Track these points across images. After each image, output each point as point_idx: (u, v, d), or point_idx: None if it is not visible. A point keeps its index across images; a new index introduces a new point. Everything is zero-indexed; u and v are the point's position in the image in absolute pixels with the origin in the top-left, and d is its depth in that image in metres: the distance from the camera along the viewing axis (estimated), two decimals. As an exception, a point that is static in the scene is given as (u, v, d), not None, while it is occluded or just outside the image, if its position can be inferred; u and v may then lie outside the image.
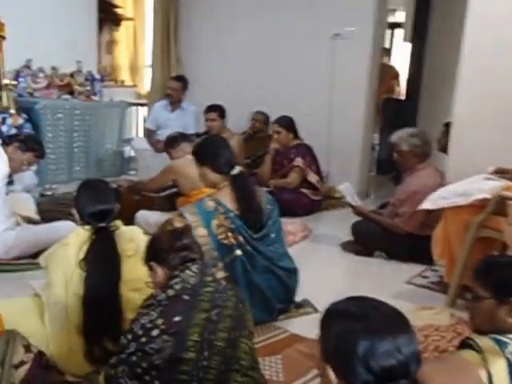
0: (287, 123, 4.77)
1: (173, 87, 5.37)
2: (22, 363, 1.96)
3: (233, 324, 1.73)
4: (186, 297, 1.71)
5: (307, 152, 4.81)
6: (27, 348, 2.01)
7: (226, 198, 2.64)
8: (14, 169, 3.51)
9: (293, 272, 2.82)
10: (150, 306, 1.70)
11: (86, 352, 2.13)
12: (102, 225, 2.21)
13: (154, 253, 1.88)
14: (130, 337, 1.67)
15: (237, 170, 2.69)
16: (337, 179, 5.01)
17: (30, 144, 3.55)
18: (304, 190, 4.74)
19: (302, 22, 5.51)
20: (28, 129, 4.97)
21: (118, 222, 2.31)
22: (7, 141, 3.52)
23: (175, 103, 5.41)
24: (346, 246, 3.94)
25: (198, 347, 1.64)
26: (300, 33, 5.52)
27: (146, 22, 7.02)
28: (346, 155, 5.43)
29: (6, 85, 5.03)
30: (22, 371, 1.94)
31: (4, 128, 4.83)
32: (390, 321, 1.18)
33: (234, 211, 2.61)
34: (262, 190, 2.86)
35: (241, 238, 2.58)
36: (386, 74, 6.81)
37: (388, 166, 5.47)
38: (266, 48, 5.72)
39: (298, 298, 2.94)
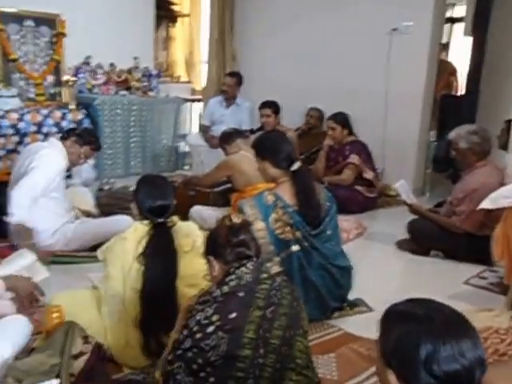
0: (342, 120, 4.71)
1: (228, 83, 5.39)
2: (81, 354, 2.01)
3: (288, 322, 1.71)
4: (241, 294, 1.70)
5: (362, 149, 4.73)
6: (86, 339, 2.06)
7: (286, 192, 2.62)
8: (73, 162, 3.60)
9: (347, 270, 2.78)
10: (205, 303, 1.70)
11: (143, 345, 2.16)
12: (160, 220, 2.24)
13: (212, 247, 1.89)
14: (185, 333, 1.67)
15: (297, 165, 2.66)
16: (392, 176, 4.91)
17: (87, 138, 3.62)
18: (358, 187, 4.67)
19: (359, 17, 5.42)
20: (87, 124, 5.11)
21: (175, 218, 2.33)
22: (65, 135, 3.60)
23: (230, 99, 5.43)
24: (402, 245, 3.87)
25: (254, 345, 1.63)
26: (356, 28, 5.43)
27: (201, 18, 7.06)
28: (402, 152, 5.32)
29: (67, 81, 5.20)
30: (81, 362, 2.00)
31: (64, 123, 4.99)
32: (454, 324, 1.13)
33: (293, 206, 2.59)
34: (320, 187, 2.82)
35: (298, 234, 2.56)
36: (444, 70, 6.62)
37: (445, 164, 5.31)
38: (321, 44, 5.66)
39: (352, 296, 2.91)
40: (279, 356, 1.66)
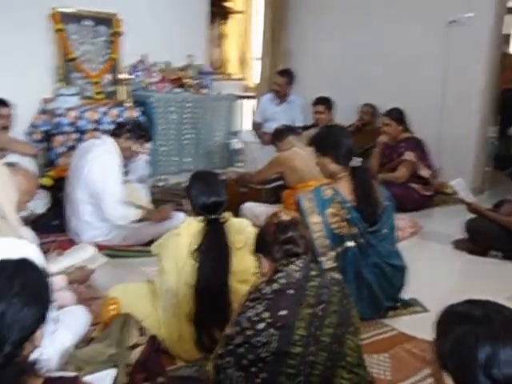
0: (397, 116, 4.62)
1: (278, 82, 5.38)
2: (137, 345, 2.07)
3: (338, 320, 1.71)
4: (291, 291, 1.70)
5: (418, 145, 4.62)
6: (141, 331, 2.12)
7: (344, 188, 2.60)
8: (127, 158, 3.65)
9: (400, 270, 2.73)
10: (255, 300, 1.71)
11: (196, 340, 2.20)
12: (213, 216, 2.26)
13: (260, 244, 1.90)
14: (236, 329, 1.69)
15: (357, 161, 2.64)
16: (449, 174, 4.76)
17: (138, 132, 3.64)
18: (413, 185, 4.57)
19: (415, 9, 5.29)
20: (142, 121, 5.22)
21: (228, 214, 2.34)
22: (116, 132, 3.62)
23: (282, 97, 5.42)
24: (459, 245, 3.77)
25: (305, 342, 1.64)
26: (412, 20, 5.30)
27: (254, 15, 7.08)
28: (460, 149, 5.16)
29: (123, 79, 5.33)
30: (137, 352, 2.05)
31: (121, 120, 5.12)
32: None
33: (351, 202, 2.57)
34: (379, 185, 2.78)
35: (355, 230, 2.54)
36: (507, 64, 6.34)
37: (506, 161, 5.12)
38: (375, 38, 5.57)
39: (407, 296, 2.87)
40: (330, 354, 1.66)
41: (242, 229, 2.34)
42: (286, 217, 1.89)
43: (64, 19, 5.07)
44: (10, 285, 1.20)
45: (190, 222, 2.29)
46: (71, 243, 3.44)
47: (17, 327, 1.18)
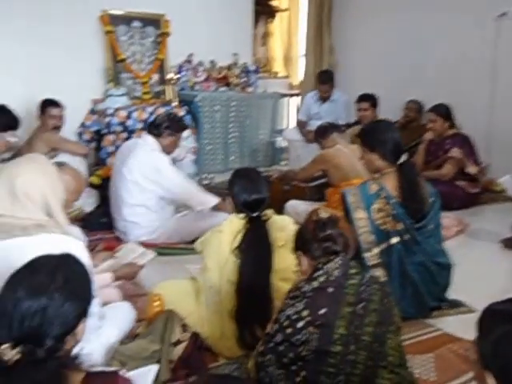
0: (444, 111, 4.50)
1: (323, 90, 5.39)
2: (179, 342, 2.11)
3: (379, 319, 1.70)
4: (330, 289, 1.71)
5: (465, 142, 4.49)
6: (184, 328, 2.16)
7: (390, 184, 2.58)
8: (170, 153, 3.67)
9: (446, 268, 2.69)
10: (295, 298, 1.72)
11: (238, 337, 2.22)
12: (255, 214, 2.27)
13: (299, 242, 1.91)
14: (276, 327, 1.71)
15: (404, 158, 2.62)
16: (498, 171, 4.62)
17: (176, 125, 3.66)
18: (460, 183, 4.45)
19: (462, 2, 5.14)
20: (188, 120, 5.30)
21: (270, 212, 2.35)
22: (155, 132, 3.61)
23: (326, 97, 5.41)
24: (508, 243, 3.66)
25: (345, 341, 1.64)
26: (460, 14, 5.17)
27: (300, 12, 7.05)
28: (510, 145, 4.99)
29: (170, 79, 5.42)
30: (179, 349, 2.09)
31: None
32: None
33: (396, 198, 2.54)
34: (425, 182, 2.74)
35: (400, 226, 2.51)
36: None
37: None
38: (421, 33, 5.48)
39: (453, 296, 2.81)
40: (371, 353, 1.66)
41: (283, 226, 2.33)
42: (324, 214, 1.89)
43: (113, 21, 5.20)
44: (52, 279, 1.23)
45: (232, 220, 2.31)
46: (118, 241, 3.53)
47: (58, 322, 1.20)
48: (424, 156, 4.62)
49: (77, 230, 3.17)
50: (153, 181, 3.43)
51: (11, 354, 1.14)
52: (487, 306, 1.18)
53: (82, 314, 1.29)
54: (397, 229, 2.51)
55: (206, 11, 5.71)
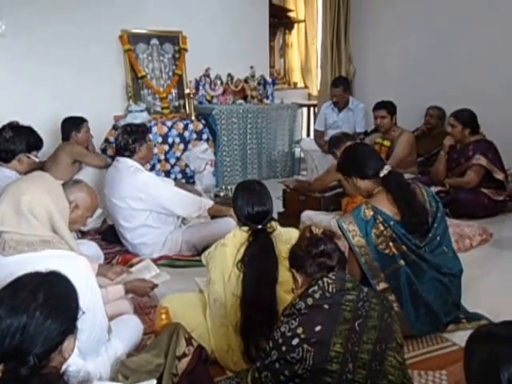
0: (465, 118, 4.36)
1: (334, 93, 5.32)
2: (184, 355, 2.07)
3: (378, 335, 1.64)
4: (326, 306, 1.66)
5: (488, 148, 4.35)
6: (188, 341, 2.12)
7: (384, 203, 2.47)
8: (152, 158, 3.79)
9: (457, 276, 2.57)
10: (290, 315, 1.68)
11: (243, 351, 2.19)
12: (259, 226, 2.25)
13: (293, 259, 1.87)
14: (271, 344, 1.67)
15: (385, 170, 2.51)
16: (526, 177, 4.49)
17: (139, 134, 3.53)
18: (484, 190, 4.30)
19: (485, 4, 5.03)
20: (206, 133, 5.35)
21: (275, 224, 2.33)
22: (127, 153, 3.50)
23: (342, 105, 5.36)
24: (534, 253, 3.51)
25: (342, 359, 1.58)
26: (482, 17, 5.05)
27: (316, 23, 7.06)
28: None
29: (188, 94, 5.50)
30: (184, 363, 2.06)
31: (186, 133, 5.29)
32: None
33: (395, 218, 2.43)
34: (422, 187, 2.61)
35: (404, 247, 2.40)
36: None
37: None
38: (440, 39, 5.38)
39: (474, 308, 2.69)
40: (369, 372, 1.60)
41: (290, 239, 2.26)
42: (318, 230, 1.86)
43: (132, 40, 5.36)
44: (34, 298, 1.24)
45: (236, 233, 2.30)
46: (134, 254, 3.56)
47: (40, 339, 1.21)
48: (446, 163, 4.50)
49: (94, 246, 3.22)
50: (144, 200, 3.42)
51: (-6, 371, 1.15)
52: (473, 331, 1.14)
53: (67, 331, 1.29)
54: (401, 251, 2.40)
55: (222, 26, 5.78)
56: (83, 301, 1.52)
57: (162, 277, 2.85)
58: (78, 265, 1.79)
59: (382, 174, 2.51)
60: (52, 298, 1.27)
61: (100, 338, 1.96)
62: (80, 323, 1.36)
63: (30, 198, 1.88)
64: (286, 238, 2.30)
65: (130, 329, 2.27)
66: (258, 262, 2.20)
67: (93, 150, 4.56)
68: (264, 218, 2.27)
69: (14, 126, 3.62)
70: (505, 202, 4.44)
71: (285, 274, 2.19)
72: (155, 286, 2.66)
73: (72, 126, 4.29)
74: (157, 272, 2.86)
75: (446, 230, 2.58)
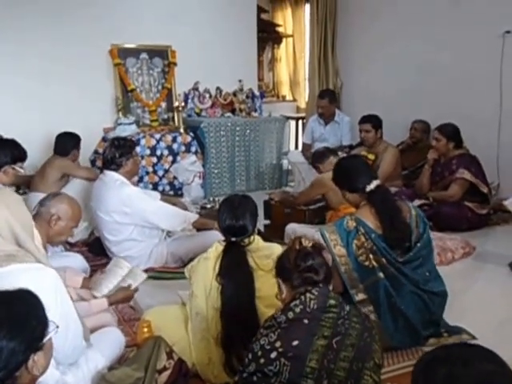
0: (449, 132, 4.42)
1: (320, 105, 5.37)
2: (164, 369, 2.09)
3: (356, 354, 1.65)
4: (305, 321, 1.66)
5: (471, 162, 4.40)
6: (169, 355, 2.13)
7: (368, 216, 2.51)
8: (137, 173, 3.78)
9: (439, 295, 2.59)
10: (270, 328, 1.69)
11: (225, 363, 2.21)
12: (233, 239, 2.28)
13: (280, 269, 1.88)
14: (250, 356, 1.68)
15: (373, 185, 2.55)
16: (508, 191, 4.54)
17: (126, 148, 3.55)
18: (468, 204, 4.34)
19: (465, 20, 5.13)
20: (194, 146, 5.39)
21: (255, 238, 2.35)
22: (114, 167, 3.51)
23: (328, 118, 5.40)
24: (516, 267, 3.54)
25: (317, 375, 1.59)
26: (462, 32, 5.14)
27: (304, 37, 7.15)
28: (521, 164, 4.90)
29: (177, 107, 5.54)
30: (164, 376, 2.07)
31: (175, 146, 5.32)
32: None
33: (377, 231, 2.47)
34: (411, 206, 2.65)
35: (383, 261, 2.43)
36: None
37: None
38: (425, 54, 5.46)
39: (455, 322, 2.70)
40: (344, 389, 1.60)
41: (271, 254, 2.29)
42: (308, 243, 1.87)
43: (122, 54, 5.42)
44: None
45: (217, 246, 2.32)
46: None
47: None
48: (430, 176, 4.55)
49: (80, 258, 3.24)
50: (129, 214, 3.44)
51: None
52: (417, 360, 1.15)
53: (28, 349, 1.30)
54: (380, 264, 2.43)
55: (211, 40, 5.83)
56: (53, 312, 1.53)
57: (138, 276, 2.82)
58: (45, 276, 1.77)
59: (368, 189, 2.56)
60: (8, 318, 1.28)
61: (75, 346, 1.95)
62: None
63: None
64: (266, 253, 2.32)
65: (112, 341, 2.27)
66: (231, 273, 2.23)
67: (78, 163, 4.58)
68: (239, 232, 2.29)
69: None
70: (488, 216, 4.49)
71: (265, 289, 2.22)
72: (136, 290, 2.68)
73: (72, 142, 4.34)
74: (128, 267, 2.83)
75: (430, 254, 2.60)
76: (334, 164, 2.90)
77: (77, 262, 3.14)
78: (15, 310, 1.32)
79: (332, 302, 1.72)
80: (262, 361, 1.64)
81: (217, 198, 4.97)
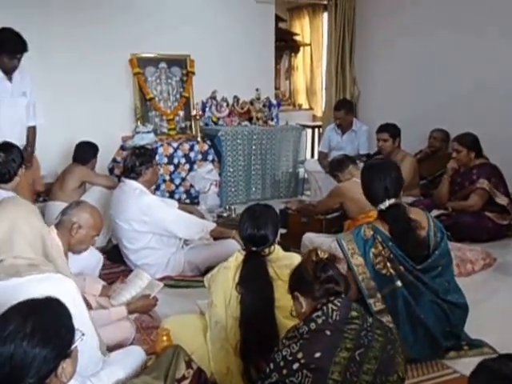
0: (469, 142, 4.38)
1: (337, 117, 5.38)
2: (183, 378, 2.07)
3: (379, 367, 1.64)
4: (328, 332, 1.65)
5: (492, 172, 4.35)
6: (188, 364, 2.12)
7: (384, 225, 2.50)
8: (156, 182, 3.84)
9: (461, 307, 2.56)
10: (292, 338, 1.69)
11: (243, 372, 2.20)
12: (254, 249, 2.27)
13: (298, 283, 1.86)
14: (271, 366, 1.68)
15: (383, 205, 2.51)
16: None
17: (147, 158, 3.58)
18: (488, 214, 4.29)
19: (491, 28, 5.07)
20: (211, 154, 5.41)
21: (276, 248, 2.34)
22: (134, 175, 3.54)
23: (345, 127, 5.40)
24: (538, 279, 3.49)
25: None
26: (486, 39, 5.08)
27: (322, 46, 7.16)
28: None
29: (195, 116, 5.57)
30: (183, 385, 2.08)
31: (192, 154, 5.35)
32: None
33: (393, 240, 2.46)
34: (429, 217, 2.60)
35: (401, 268, 2.42)
36: None
37: None
38: (445, 63, 5.42)
39: (475, 335, 2.66)
40: (368, 402, 1.59)
41: (291, 264, 2.25)
42: (324, 254, 1.86)
43: (141, 63, 5.49)
44: (23, 326, 1.29)
45: (238, 256, 2.32)
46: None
47: (31, 367, 1.26)
48: (450, 186, 4.50)
49: (94, 250, 3.20)
50: (148, 223, 3.46)
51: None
52: (481, 361, 1.13)
53: (59, 356, 1.33)
54: (398, 272, 2.41)
55: (229, 49, 5.86)
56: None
57: (156, 287, 2.85)
58: (64, 288, 1.80)
59: (380, 207, 2.53)
60: (40, 326, 1.31)
61: (91, 357, 1.96)
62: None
63: (21, 221, 1.89)
64: (286, 262, 2.31)
65: (133, 358, 2.26)
66: (251, 283, 2.22)
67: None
68: (259, 242, 2.28)
69: (1, 147, 3.38)
70: (509, 226, 4.42)
71: (283, 299, 2.19)
72: (156, 300, 2.72)
73: (92, 151, 4.43)
74: (148, 278, 2.87)
75: (449, 264, 2.58)
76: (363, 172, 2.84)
77: (92, 254, 3.10)
78: (46, 318, 1.35)
79: (354, 313, 1.71)
80: (284, 371, 1.63)
81: (233, 207, 4.99)
